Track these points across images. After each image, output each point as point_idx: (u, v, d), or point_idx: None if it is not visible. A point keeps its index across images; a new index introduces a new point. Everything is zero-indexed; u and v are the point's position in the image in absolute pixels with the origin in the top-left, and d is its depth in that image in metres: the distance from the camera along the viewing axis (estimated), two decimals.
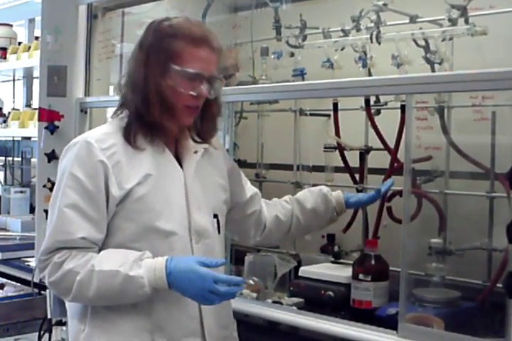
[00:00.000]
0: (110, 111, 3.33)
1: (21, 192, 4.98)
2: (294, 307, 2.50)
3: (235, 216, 2.21)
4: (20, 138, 5.37)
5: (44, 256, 1.89)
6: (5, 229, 4.60)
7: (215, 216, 2.06)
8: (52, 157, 3.24)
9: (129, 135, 1.95)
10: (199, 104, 1.98)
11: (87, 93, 3.36)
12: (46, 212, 3.19)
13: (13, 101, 5.51)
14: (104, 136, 1.95)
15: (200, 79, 1.95)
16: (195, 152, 2.05)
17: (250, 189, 2.30)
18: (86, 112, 3.32)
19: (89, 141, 1.92)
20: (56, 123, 3.27)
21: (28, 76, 5.42)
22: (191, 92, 1.94)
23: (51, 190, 3.17)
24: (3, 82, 5.73)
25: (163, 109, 1.93)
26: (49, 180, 3.23)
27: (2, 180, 5.43)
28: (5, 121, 4.93)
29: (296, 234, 2.42)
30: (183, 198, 1.98)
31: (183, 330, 1.93)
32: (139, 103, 1.94)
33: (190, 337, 1.94)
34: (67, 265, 1.85)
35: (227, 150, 2.84)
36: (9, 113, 5.02)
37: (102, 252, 1.89)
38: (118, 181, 1.89)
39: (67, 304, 2.05)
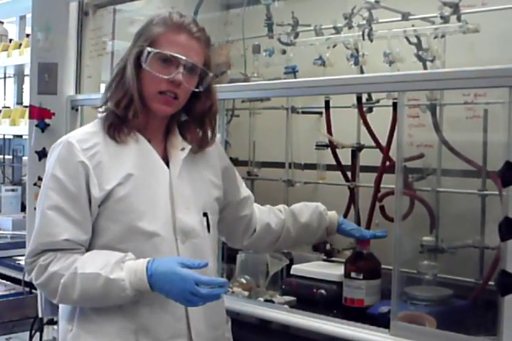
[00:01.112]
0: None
1: (12, 190, 4.98)
2: (286, 306, 2.48)
3: (226, 216, 2.19)
4: (11, 136, 5.36)
5: (29, 259, 1.89)
6: None
7: (205, 214, 2.03)
8: (42, 155, 3.22)
9: (112, 132, 1.93)
10: (176, 91, 1.93)
11: (78, 90, 3.34)
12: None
13: (4, 99, 5.50)
14: (86, 135, 1.93)
15: (177, 64, 1.92)
16: (182, 149, 2.02)
17: (245, 191, 2.29)
18: (77, 110, 3.30)
19: (70, 141, 1.90)
20: (47, 121, 3.26)
21: (19, 73, 5.40)
22: (165, 76, 1.91)
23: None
24: None
25: (134, 100, 1.92)
26: (39, 178, 3.20)
27: None
28: None
29: (284, 245, 2.42)
30: (168, 197, 1.95)
31: (169, 332, 1.91)
32: (113, 93, 1.95)
33: (177, 339, 1.92)
34: (52, 267, 1.84)
35: None
36: (0, 111, 5.00)
37: (86, 254, 1.88)
38: (99, 182, 1.88)
39: (59, 305, 2.04)
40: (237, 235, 2.29)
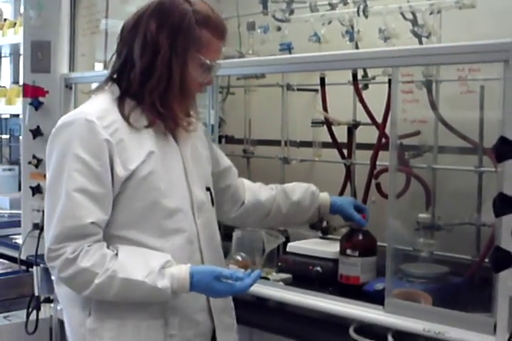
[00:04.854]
0: (95, 86, 3.32)
1: (9, 170, 4.96)
2: (281, 283, 2.49)
3: None
4: (8, 116, 5.33)
5: (54, 245, 1.82)
6: None
7: (208, 189, 2.07)
8: (37, 133, 3.22)
9: (129, 116, 1.91)
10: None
11: (71, 69, 3.34)
12: (32, 188, 3.22)
13: (0, 79, 5.47)
14: (103, 112, 1.88)
15: (213, 69, 1.98)
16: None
17: (225, 161, 2.30)
18: (71, 88, 3.29)
19: (90, 119, 1.84)
20: (41, 99, 3.26)
21: (14, 53, 5.36)
22: (205, 81, 1.98)
23: (36, 166, 3.18)
24: None
25: (181, 98, 1.94)
26: (34, 157, 3.21)
27: None
28: None
29: (274, 222, 2.43)
30: (183, 175, 1.98)
31: (192, 307, 1.96)
32: (158, 90, 1.90)
33: (199, 313, 1.98)
34: (81, 262, 1.79)
35: (213, 125, 2.82)
36: None
37: (121, 255, 1.84)
38: (122, 160, 1.86)
39: (62, 294, 2.00)
40: (224, 207, 2.29)
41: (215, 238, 2.09)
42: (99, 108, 1.90)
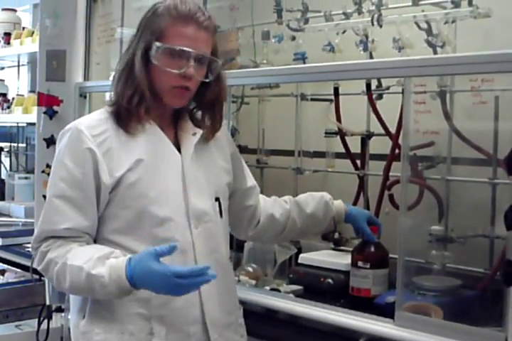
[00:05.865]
0: None
1: (25, 178, 4.99)
2: (291, 295, 2.47)
3: (232, 205, 2.16)
4: (25, 124, 5.35)
5: (35, 244, 1.91)
6: (9, 215, 4.60)
7: (217, 199, 2.03)
8: (50, 142, 3.24)
9: (121, 121, 1.92)
10: (188, 85, 1.93)
11: (86, 77, 3.35)
12: (45, 197, 3.20)
13: (18, 87, 5.50)
14: (96, 122, 1.93)
15: (187, 57, 1.90)
16: (194, 134, 2.01)
17: (251, 180, 2.27)
18: (85, 97, 3.31)
19: (79, 128, 1.90)
20: (55, 108, 3.27)
21: (32, 61, 5.37)
22: (176, 71, 1.90)
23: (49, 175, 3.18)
24: (9, 67, 5.71)
25: (146, 97, 1.91)
26: (48, 166, 3.22)
27: (7, 166, 5.42)
28: (9, 107, 4.90)
29: (290, 236, 2.41)
30: (180, 182, 1.95)
31: (183, 318, 1.92)
32: (123, 89, 1.92)
33: (191, 325, 1.93)
34: (51, 254, 1.86)
35: None
36: (13, 98, 4.99)
37: (82, 247, 1.86)
38: (109, 168, 1.88)
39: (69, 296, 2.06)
40: (242, 225, 2.28)
41: (218, 250, 2.02)
42: (95, 118, 1.96)
